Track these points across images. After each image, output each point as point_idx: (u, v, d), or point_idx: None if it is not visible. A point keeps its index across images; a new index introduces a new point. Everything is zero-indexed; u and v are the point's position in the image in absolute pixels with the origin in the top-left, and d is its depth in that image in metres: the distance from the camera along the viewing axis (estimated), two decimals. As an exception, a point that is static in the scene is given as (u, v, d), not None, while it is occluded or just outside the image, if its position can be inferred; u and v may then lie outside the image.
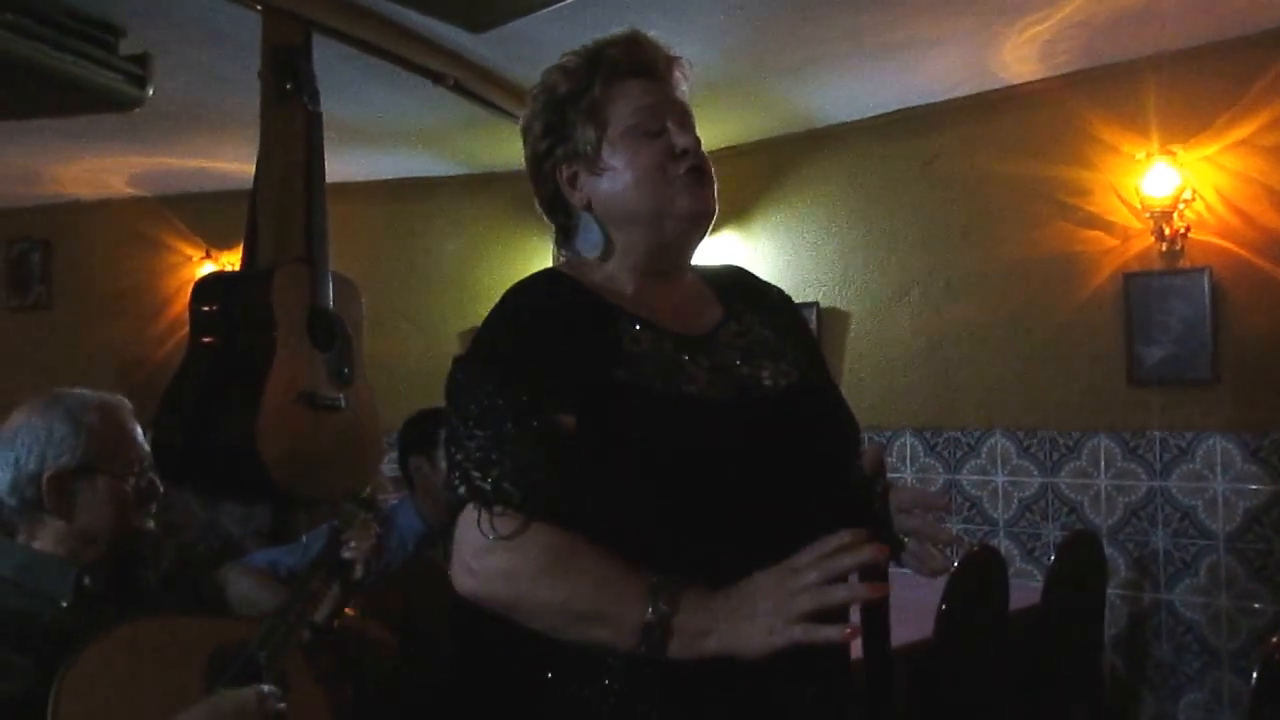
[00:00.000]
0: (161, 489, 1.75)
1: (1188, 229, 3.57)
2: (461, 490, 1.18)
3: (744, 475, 1.20)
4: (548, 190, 1.40)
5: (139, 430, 1.75)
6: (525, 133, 1.40)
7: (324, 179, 2.82)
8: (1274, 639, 1.86)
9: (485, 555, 1.16)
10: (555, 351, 1.23)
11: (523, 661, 1.21)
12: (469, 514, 1.17)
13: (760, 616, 1.08)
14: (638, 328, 1.28)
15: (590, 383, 1.21)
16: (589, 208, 1.35)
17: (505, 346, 1.25)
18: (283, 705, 1.57)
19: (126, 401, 1.75)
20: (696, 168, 1.33)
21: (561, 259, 1.45)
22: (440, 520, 2.65)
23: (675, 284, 1.38)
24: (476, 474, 1.17)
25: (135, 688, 1.54)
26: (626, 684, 1.17)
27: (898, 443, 4.22)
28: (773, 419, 1.28)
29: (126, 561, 1.75)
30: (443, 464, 2.60)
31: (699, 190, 1.33)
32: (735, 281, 1.47)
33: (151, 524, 1.74)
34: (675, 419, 1.22)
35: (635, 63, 1.37)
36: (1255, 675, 1.75)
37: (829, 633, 1.07)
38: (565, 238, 1.42)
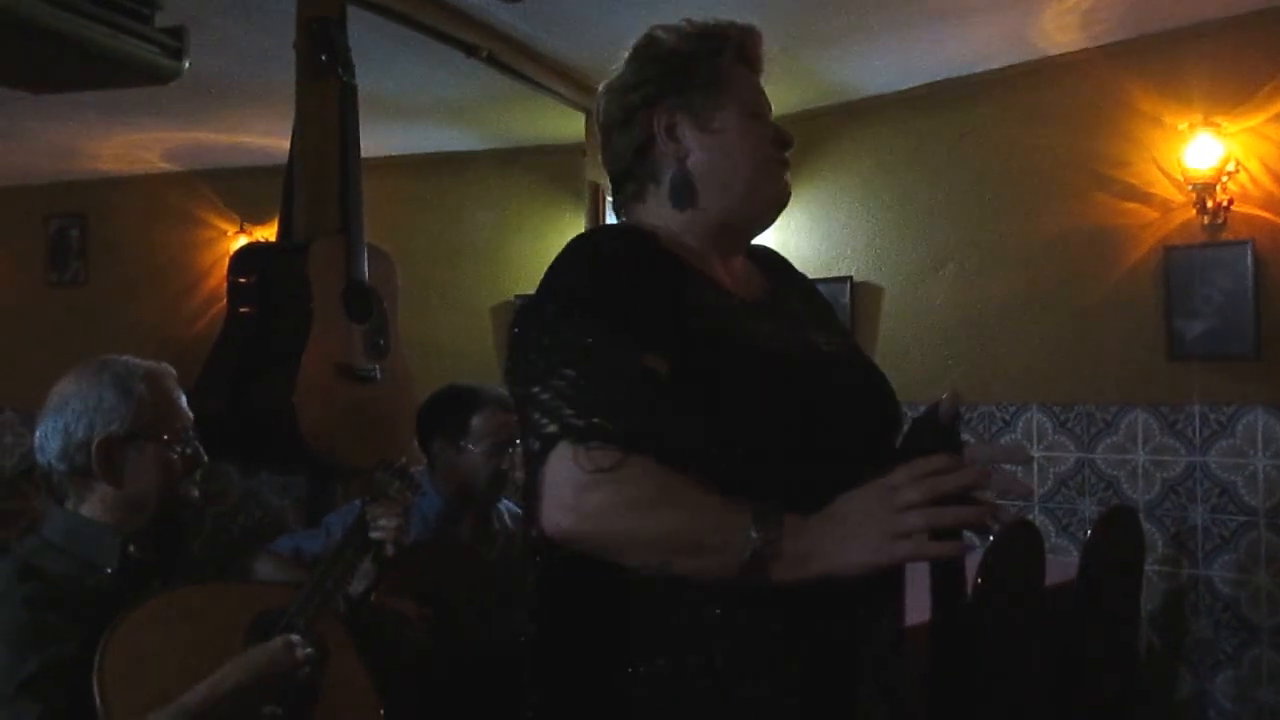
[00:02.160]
0: (205, 458, 1.77)
1: (1230, 201, 3.51)
2: (552, 429, 1.16)
3: (821, 425, 1.24)
4: (637, 139, 1.40)
5: (184, 398, 1.77)
6: (625, 81, 1.41)
7: (359, 151, 2.82)
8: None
9: (585, 491, 1.13)
10: (641, 294, 1.25)
11: (617, 602, 1.20)
12: (562, 452, 1.15)
13: (864, 535, 1.11)
14: (707, 286, 1.33)
15: (674, 328, 1.23)
16: (683, 160, 1.38)
17: (592, 287, 1.26)
18: (310, 650, 1.59)
19: (172, 369, 1.77)
20: (788, 162, 1.42)
21: (622, 220, 1.47)
22: (458, 498, 2.65)
23: (733, 258, 1.43)
24: (569, 411, 1.16)
25: (177, 652, 1.57)
26: (721, 611, 1.18)
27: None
28: (839, 377, 1.35)
29: (170, 529, 1.77)
30: (469, 448, 2.61)
31: (787, 182, 1.42)
32: (775, 261, 1.53)
33: (196, 492, 1.76)
34: (761, 368, 1.26)
35: (753, 54, 1.45)
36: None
37: (940, 548, 1.12)
38: (631, 198, 1.43)
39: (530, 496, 1.21)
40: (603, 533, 1.15)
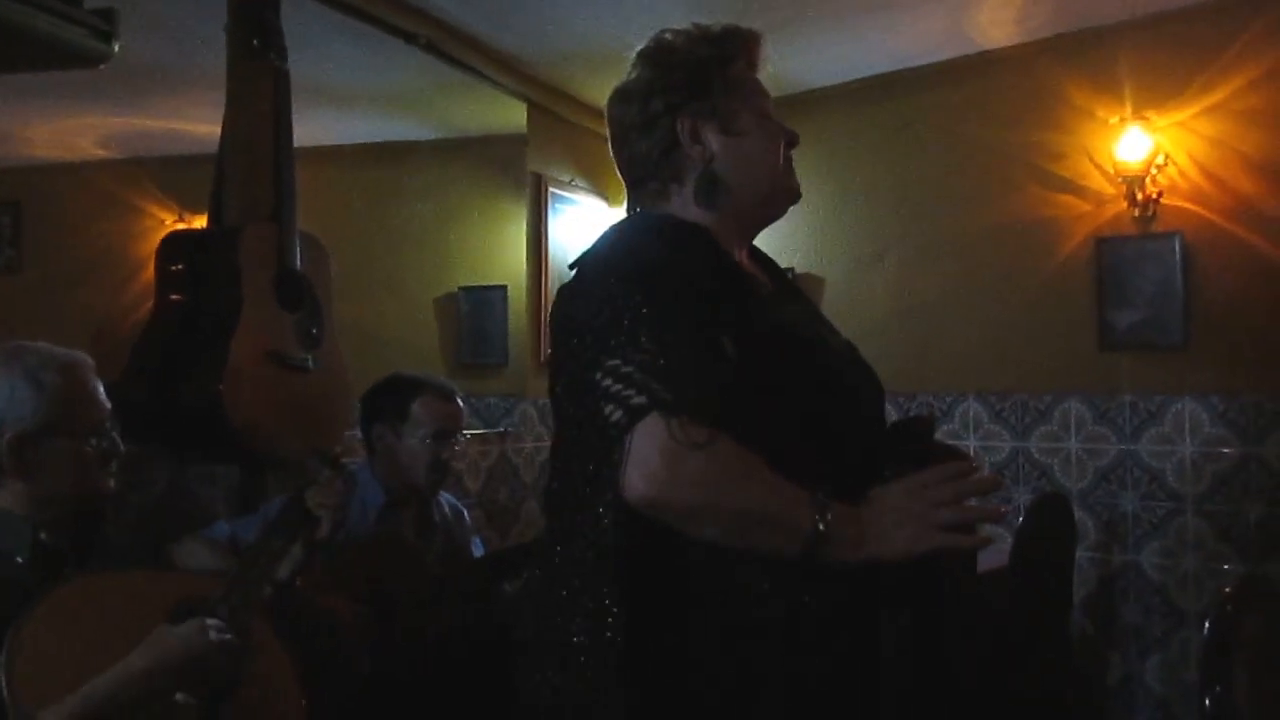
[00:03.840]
0: (122, 448, 1.73)
1: (1160, 194, 3.58)
2: (640, 400, 1.20)
3: (854, 407, 1.38)
4: (661, 143, 1.47)
5: (100, 389, 1.72)
6: (646, 87, 1.48)
7: (291, 138, 2.79)
8: (1226, 590, 1.89)
9: (678, 462, 1.19)
10: (706, 275, 1.33)
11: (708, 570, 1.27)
12: (652, 423, 1.20)
13: (905, 526, 1.24)
14: (747, 275, 1.44)
15: (737, 310, 1.32)
16: (709, 162, 1.45)
17: (662, 265, 1.32)
18: (228, 637, 1.57)
19: (88, 359, 1.73)
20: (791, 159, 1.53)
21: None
22: (402, 489, 2.64)
23: (744, 252, 1.53)
24: (658, 384, 1.20)
25: (92, 639, 1.53)
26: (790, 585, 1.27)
27: (872, 408, 4.22)
28: (853, 365, 1.47)
29: (87, 520, 1.73)
30: (408, 435, 2.60)
31: (797, 180, 1.54)
32: (766, 258, 1.62)
33: (112, 483, 1.72)
34: (812, 353, 1.38)
35: (758, 57, 1.54)
36: (1207, 626, 1.78)
37: (970, 540, 1.29)
38: (653, 196, 1.49)
39: (600, 464, 1.25)
40: (689, 502, 1.22)
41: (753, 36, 1.53)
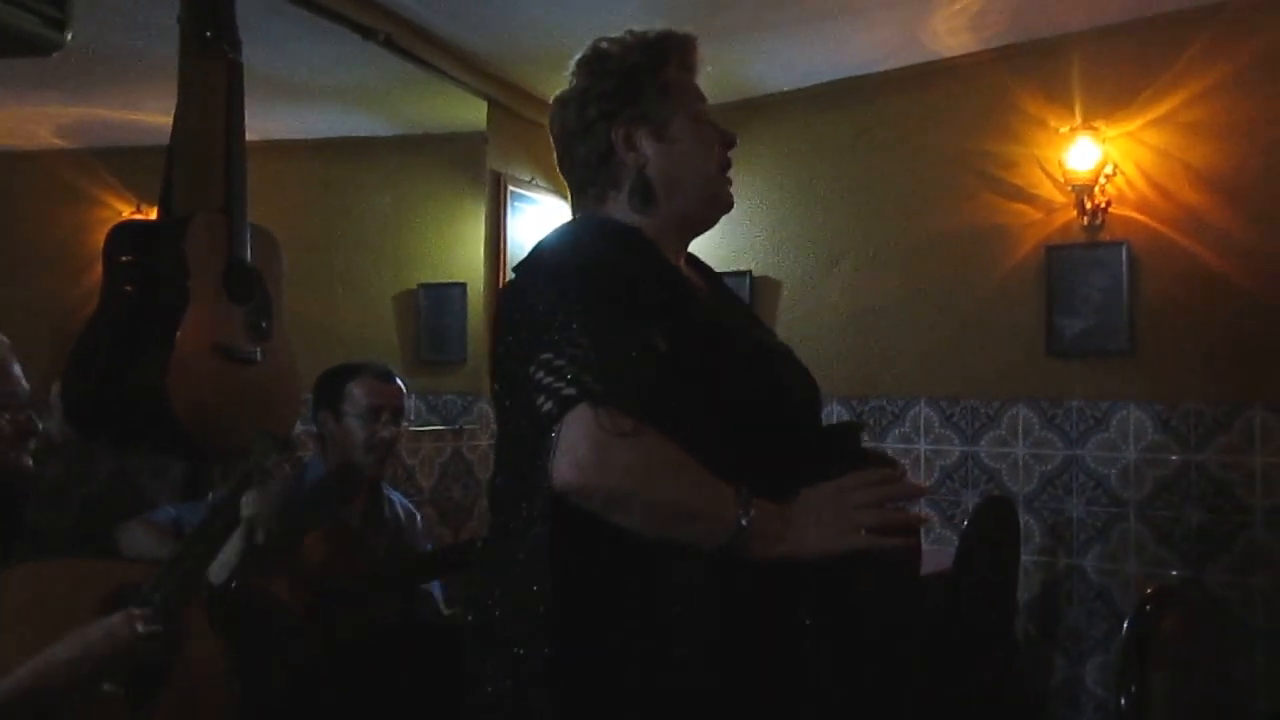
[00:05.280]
0: (40, 426, 1.73)
1: (1108, 203, 3.64)
2: (570, 391, 1.23)
3: (788, 409, 1.40)
4: (598, 149, 1.50)
5: (17, 367, 1.72)
6: (581, 95, 1.51)
7: (244, 130, 2.78)
8: (1148, 591, 1.93)
9: (606, 450, 1.22)
10: (643, 275, 1.36)
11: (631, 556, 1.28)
12: (581, 413, 1.22)
13: (826, 525, 1.27)
14: (683, 277, 1.46)
15: (673, 310, 1.34)
16: (642, 168, 1.48)
17: (599, 265, 1.36)
18: (156, 627, 1.56)
19: (3, 339, 1.73)
20: (730, 164, 1.56)
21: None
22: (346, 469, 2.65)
23: (680, 257, 1.55)
24: (588, 377, 1.23)
25: (23, 626, 1.53)
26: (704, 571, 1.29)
27: (824, 411, 4.26)
28: (790, 368, 1.48)
29: (6, 502, 1.72)
30: (347, 415, 2.62)
31: (730, 191, 1.57)
32: (700, 262, 1.65)
33: (29, 461, 1.71)
34: (748, 354, 1.41)
35: (693, 60, 1.55)
36: (1125, 626, 1.81)
37: (889, 543, 1.29)
38: (592, 201, 1.52)
39: (533, 453, 1.27)
40: (615, 490, 1.24)
41: (687, 40, 1.55)
